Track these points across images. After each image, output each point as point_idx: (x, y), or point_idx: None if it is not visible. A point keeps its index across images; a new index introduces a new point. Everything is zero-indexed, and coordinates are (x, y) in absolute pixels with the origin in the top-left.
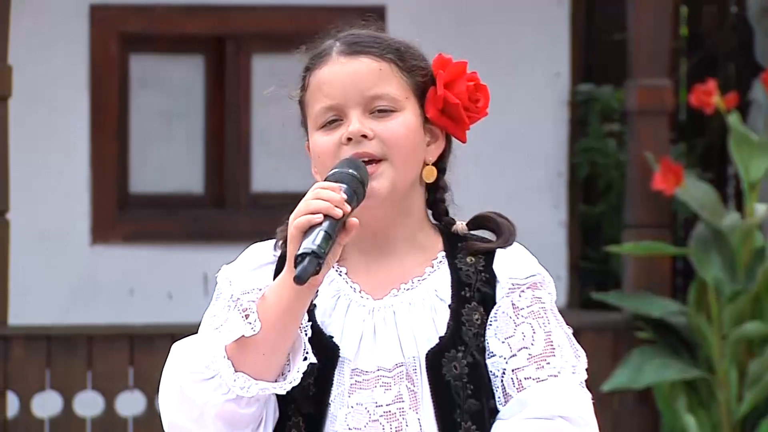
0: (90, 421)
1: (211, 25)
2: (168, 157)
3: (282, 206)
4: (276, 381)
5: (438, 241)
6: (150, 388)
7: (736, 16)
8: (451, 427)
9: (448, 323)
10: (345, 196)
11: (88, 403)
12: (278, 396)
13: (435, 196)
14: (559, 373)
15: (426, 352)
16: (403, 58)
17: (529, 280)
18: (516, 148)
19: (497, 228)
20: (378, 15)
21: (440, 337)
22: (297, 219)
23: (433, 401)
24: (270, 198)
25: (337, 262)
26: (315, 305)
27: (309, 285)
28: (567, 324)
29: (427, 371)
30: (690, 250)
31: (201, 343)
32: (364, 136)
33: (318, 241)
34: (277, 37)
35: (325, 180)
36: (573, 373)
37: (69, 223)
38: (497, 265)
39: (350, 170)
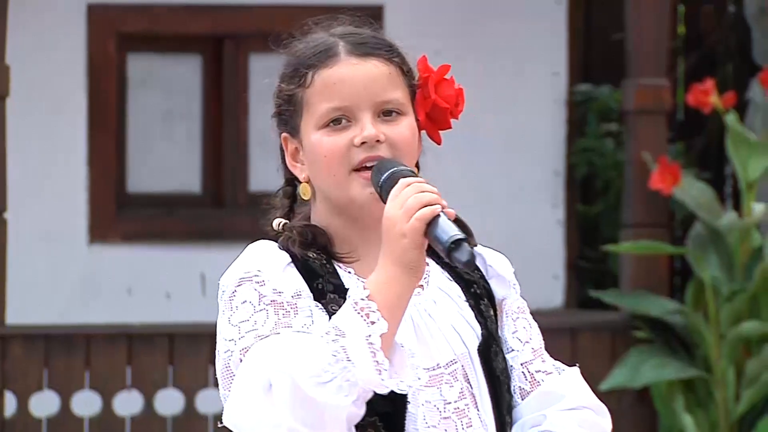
0: (87, 420)
1: (210, 24)
2: (166, 156)
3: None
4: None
5: None
6: (148, 387)
7: (733, 15)
8: (501, 420)
9: (478, 319)
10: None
11: (86, 403)
12: None
13: None
14: (558, 366)
15: (477, 347)
16: (404, 61)
17: (512, 278)
18: (514, 148)
19: (464, 228)
20: (376, 14)
21: (482, 333)
22: (420, 211)
23: (491, 396)
24: (268, 197)
25: (345, 263)
26: None
27: (418, 279)
28: (547, 328)
29: (483, 366)
30: (688, 249)
31: (303, 347)
32: (378, 141)
33: (454, 228)
34: (275, 37)
35: (390, 176)
36: (565, 367)
37: (67, 223)
38: (492, 262)
39: (406, 167)
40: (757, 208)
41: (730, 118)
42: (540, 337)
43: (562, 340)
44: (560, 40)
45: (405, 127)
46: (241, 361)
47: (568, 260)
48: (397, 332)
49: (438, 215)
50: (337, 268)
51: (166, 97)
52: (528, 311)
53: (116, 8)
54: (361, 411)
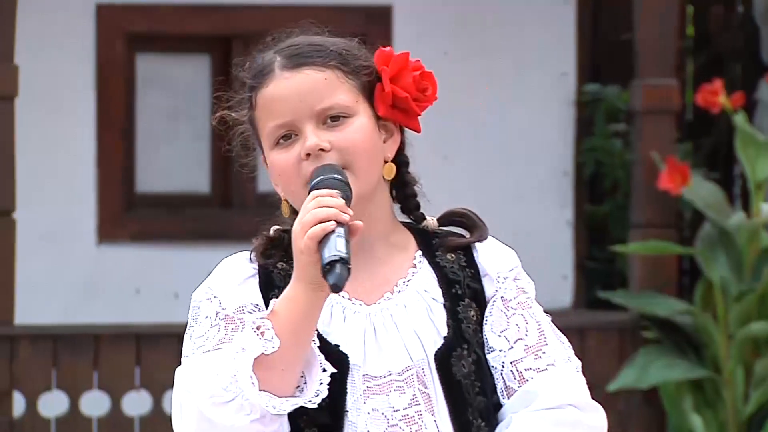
0: (96, 420)
1: (218, 24)
2: (174, 156)
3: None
4: (294, 395)
5: (411, 239)
6: (156, 387)
7: (742, 15)
8: (465, 426)
9: (448, 322)
10: (343, 201)
11: (95, 403)
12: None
13: (404, 191)
14: (555, 361)
15: (434, 353)
16: (346, 61)
17: (513, 272)
18: (522, 148)
19: (471, 223)
20: (384, 15)
21: (445, 337)
22: (311, 230)
23: (447, 402)
24: (276, 198)
25: None
26: None
27: (323, 293)
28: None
29: (438, 372)
30: (696, 249)
31: (212, 366)
32: (322, 150)
33: (340, 246)
34: None
35: (312, 189)
36: (569, 360)
37: (75, 223)
38: (482, 259)
39: (335, 175)
40: (766, 208)
41: (739, 119)
42: (540, 332)
43: (570, 340)
44: (568, 41)
45: (353, 130)
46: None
47: (577, 260)
48: (308, 345)
49: (332, 232)
50: None
51: (174, 96)
52: (532, 306)
53: (125, 8)
54: (271, 428)
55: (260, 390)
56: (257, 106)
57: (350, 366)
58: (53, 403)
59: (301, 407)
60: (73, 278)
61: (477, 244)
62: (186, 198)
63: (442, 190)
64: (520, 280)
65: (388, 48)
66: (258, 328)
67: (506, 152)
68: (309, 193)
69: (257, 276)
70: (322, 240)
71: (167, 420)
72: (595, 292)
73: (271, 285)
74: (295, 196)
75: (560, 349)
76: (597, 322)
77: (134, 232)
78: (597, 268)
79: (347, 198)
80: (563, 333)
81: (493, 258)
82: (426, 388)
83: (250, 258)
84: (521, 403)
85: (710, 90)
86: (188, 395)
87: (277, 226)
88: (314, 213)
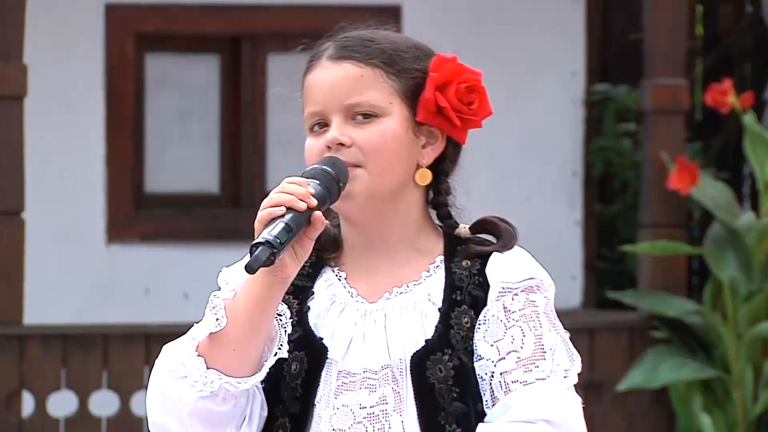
0: (105, 420)
1: (227, 24)
2: (184, 156)
3: None
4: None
5: (438, 245)
6: None
7: (751, 15)
8: (435, 429)
9: (436, 326)
10: (312, 191)
11: (104, 403)
12: (267, 396)
13: (437, 199)
14: (548, 376)
15: (411, 354)
16: (391, 61)
17: (523, 284)
18: (531, 148)
19: (498, 232)
20: (393, 15)
21: (426, 340)
22: (261, 212)
23: (416, 403)
24: None
25: (339, 267)
26: (309, 308)
27: (278, 278)
28: (565, 328)
29: (411, 373)
30: (705, 249)
31: (178, 342)
32: (341, 144)
33: (275, 231)
34: (292, 37)
35: (300, 176)
36: (565, 377)
37: (85, 223)
38: (490, 269)
39: (324, 167)
40: None
41: (748, 118)
42: (538, 345)
43: (579, 340)
44: (578, 40)
45: (377, 130)
46: None
47: (586, 260)
48: (263, 327)
49: (280, 217)
50: (326, 271)
51: (183, 96)
52: (536, 320)
53: (134, 8)
54: (221, 408)
55: (209, 367)
56: (303, 88)
57: (328, 360)
58: (62, 403)
59: (278, 395)
60: (82, 278)
61: (495, 254)
62: (195, 198)
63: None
64: (535, 293)
65: (451, 55)
66: (214, 307)
67: (516, 152)
68: None
69: None
70: (268, 223)
71: None
72: (604, 292)
73: None
74: None
75: (562, 364)
76: (606, 322)
77: (144, 232)
78: (606, 268)
79: (328, 191)
80: (572, 333)
81: (502, 268)
82: (399, 388)
83: None
84: (498, 413)
85: (719, 90)
86: (155, 370)
87: None
88: (270, 197)
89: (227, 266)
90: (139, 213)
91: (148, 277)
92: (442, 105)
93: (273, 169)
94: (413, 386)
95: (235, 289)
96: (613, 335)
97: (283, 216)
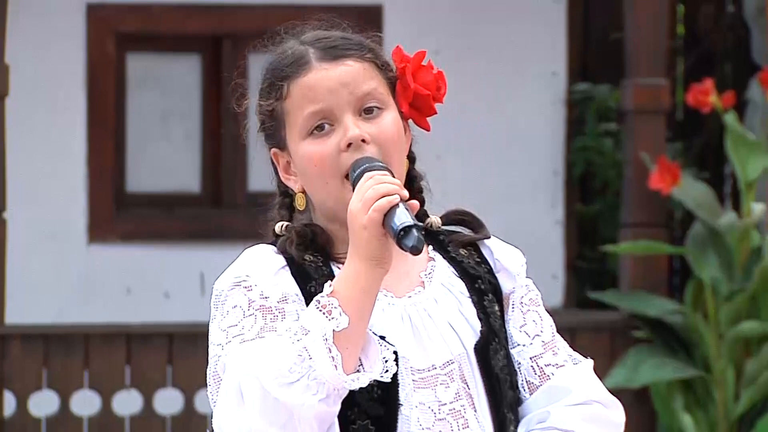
0: (87, 420)
1: (208, 24)
2: (165, 156)
3: (259, 230)
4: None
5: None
6: (147, 387)
7: (732, 15)
8: (501, 418)
9: (479, 316)
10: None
11: (85, 402)
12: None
13: (411, 187)
14: (569, 357)
15: (474, 346)
16: (377, 56)
17: (523, 269)
18: (513, 147)
19: (476, 222)
20: (375, 14)
21: (481, 331)
22: (377, 203)
23: (488, 395)
24: (267, 197)
25: (339, 262)
26: None
27: (384, 270)
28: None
29: (479, 366)
30: (687, 249)
31: (270, 349)
32: (363, 141)
33: (410, 215)
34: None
35: (358, 174)
36: (578, 358)
37: (66, 222)
38: (499, 256)
39: (380, 162)
40: (756, 207)
41: (729, 118)
42: (552, 329)
43: None
44: (559, 40)
45: (389, 123)
46: (226, 366)
47: (567, 260)
48: (368, 323)
49: (396, 206)
50: (335, 270)
51: (165, 96)
52: (541, 303)
53: (115, 8)
54: (334, 409)
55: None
56: (290, 94)
57: (399, 357)
58: (44, 403)
59: (352, 398)
60: (63, 278)
61: (486, 242)
62: (176, 197)
63: (434, 190)
64: (528, 278)
65: (399, 46)
66: (324, 306)
67: (497, 152)
68: (353, 183)
69: (288, 268)
70: (387, 213)
71: (157, 419)
72: (585, 292)
73: (306, 276)
74: (329, 188)
75: (567, 346)
76: (588, 322)
77: (125, 232)
78: (587, 267)
79: None
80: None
81: (508, 255)
82: (465, 383)
83: (276, 251)
84: (547, 398)
85: (701, 90)
86: (250, 379)
87: (285, 223)
88: (376, 188)
89: (221, 275)
90: (120, 213)
91: (129, 277)
92: (423, 94)
93: (254, 169)
94: (483, 378)
95: (331, 285)
96: (595, 335)
97: (398, 205)
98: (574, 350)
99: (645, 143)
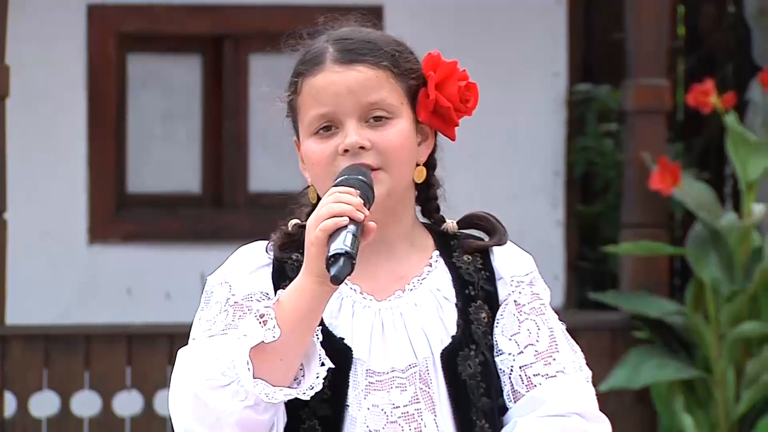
0: (87, 420)
1: (209, 24)
2: (166, 156)
3: (280, 206)
4: (290, 386)
5: (430, 240)
6: (147, 387)
7: (733, 15)
8: (468, 426)
9: (458, 322)
10: (361, 201)
11: (86, 403)
12: (288, 400)
13: (427, 193)
14: (565, 368)
15: (440, 351)
16: (396, 63)
17: (528, 277)
18: (514, 148)
19: (491, 227)
20: (375, 15)
21: (452, 336)
22: (323, 222)
23: (451, 401)
24: (268, 197)
25: None
26: None
27: (329, 290)
28: (560, 321)
29: (443, 371)
30: (687, 250)
31: (213, 350)
32: (362, 148)
33: (348, 242)
34: (274, 37)
35: (335, 185)
36: (580, 369)
37: (67, 223)
38: (498, 263)
39: (360, 176)
40: (757, 208)
41: (730, 119)
42: (552, 338)
43: None
44: (560, 40)
45: (394, 133)
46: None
47: (568, 260)
48: (309, 337)
49: (343, 227)
50: None
51: (165, 97)
52: (546, 312)
53: (116, 8)
54: (262, 417)
55: (255, 377)
56: (302, 91)
57: (354, 360)
58: (44, 403)
59: (302, 399)
60: (64, 278)
61: (495, 248)
62: (177, 198)
63: None
64: (536, 285)
65: (436, 52)
66: (261, 316)
67: (498, 152)
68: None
69: (271, 266)
70: (333, 234)
71: (158, 420)
72: (586, 293)
73: (283, 275)
74: (324, 187)
75: (571, 357)
76: (588, 323)
77: (126, 233)
78: (588, 268)
79: (367, 199)
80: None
81: (509, 262)
82: (428, 386)
83: (267, 248)
84: (528, 408)
85: (701, 90)
86: (185, 377)
87: (296, 221)
88: (329, 207)
89: (214, 271)
90: (121, 213)
91: (130, 277)
92: (444, 105)
93: (255, 169)
94: (446, 383)
95: (267, 295)
96: (595, 335)
97: (346, 227)
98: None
99: (646, 144)
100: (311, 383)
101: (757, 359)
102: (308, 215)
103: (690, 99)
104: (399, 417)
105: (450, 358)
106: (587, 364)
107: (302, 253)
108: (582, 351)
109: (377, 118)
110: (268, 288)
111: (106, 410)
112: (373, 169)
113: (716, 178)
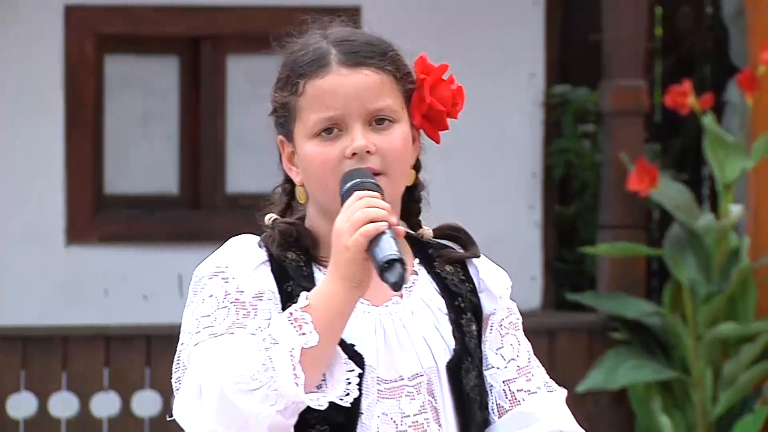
0: (65, 421)
1: (187, 25)
2: (144, 157)
3: (258, 206)
4: (322, 392)
5: (407, 245)
6: (125, 388)
7: (711, 16)
8: None
9: (455, 334)
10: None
11: (63, 404)
12: None
13: (411, 195)
14: (546, 384)
15: (446, 363)
16: (397, 67)
17: (507, 292)
18: (491, 149)
19: (468, 239)
20: (353, 15)
21: (454, 349)
22: (364, 227)
23: (457, 413)
24: (246, 199)
25: (322, 264)
26: None
27: (360, 294)
28: (525, 329)
29: (450, 383)
30: (665, 251)
31: (237, 351)
32: (368, 152)
33: (396, 247)
34: (252, 38)
35: (352, 189)
36: (554, 387)
37: (44, 224)
38: (484, 276)
39: (372, 180)
40: (734, 209)
41: (708, 120)
42: (529, 354)
43: (539, 341)
44: (537, 42)
45: (397, 137)
46: (191, 357)
47: (545, 261)
48: (338, 342)
49: (383, 233)
50: (316, 271)
51: (144, 98)
52: (521, 328)
53: (94, 9)
54: (290, 421)
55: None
56: (304, 93)
57: (365, 367)
58: (22, 404)
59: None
60: (42, 280)
61: (474, 260)
62: (155, 199)
63: None
64: (512, 301)
65: (425, 55)
66: (296, 320)
67: (475, 153)
68: (343, 197)
69: (269, 263)
70: (373, 239)
71: (136, 421)
72: (563, 294)
73: (285, 275)
74: (326, 190)
75: (544, 373)
76: (566, 324)
77: (103, 234)
78: (566, 269)
79: None
80: (532, 335)
81: (492, 275)
82: (433, 397)
83: (260, 243)
84: (516, 423)
85: (679, 91)
86: (210, 378)
87: (272, 215)
88: (366, 212)
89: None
90: (98, 214)
91: (108, 279)
92: (438, 109)
93: (233, 170)
94: (453, 396)
95: (307, 298)
96: (573, 336)
97: (385, 231)
98: (553, 351)
99: (623, 145)
100: (345, 389)
101: (735, 360)
102: (282, 212)
103: (668, 100)
104: (409, 426)
105: (455, 370)
106: (563, 364)
107: (297, 253)
108: (559, 352)
109: (380, 121)
110: (273, 287)
111: (83, 411)
112: (376, 174)
113: (694, 179)
